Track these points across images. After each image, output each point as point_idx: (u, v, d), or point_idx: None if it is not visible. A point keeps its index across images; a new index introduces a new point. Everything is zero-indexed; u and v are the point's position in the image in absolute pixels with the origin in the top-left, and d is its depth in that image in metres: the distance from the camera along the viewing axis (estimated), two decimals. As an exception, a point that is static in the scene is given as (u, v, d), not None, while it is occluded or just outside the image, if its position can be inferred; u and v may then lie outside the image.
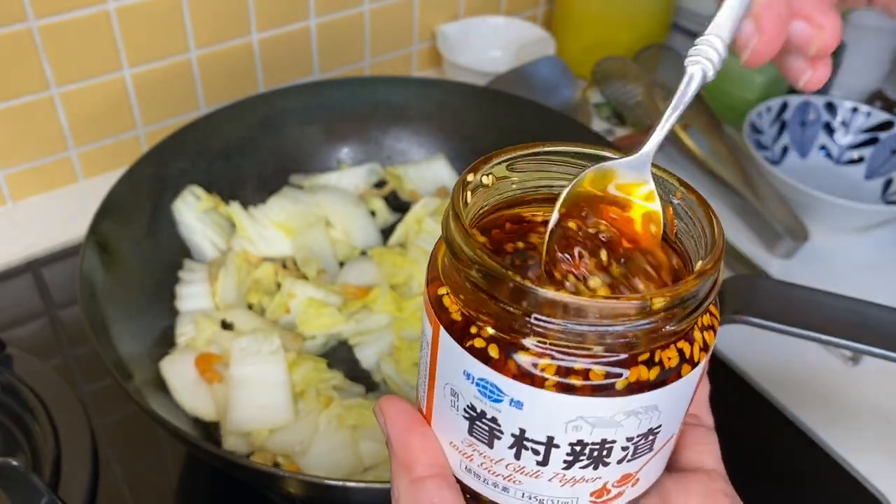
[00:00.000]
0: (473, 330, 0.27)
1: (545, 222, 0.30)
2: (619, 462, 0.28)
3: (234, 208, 0.73)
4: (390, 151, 0.83)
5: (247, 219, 0.73)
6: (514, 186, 0.31)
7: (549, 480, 0.28)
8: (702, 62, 0.29)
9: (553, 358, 0.26)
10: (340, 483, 0.47)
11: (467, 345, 0.27)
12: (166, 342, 0.65)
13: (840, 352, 0.71)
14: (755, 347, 0.70)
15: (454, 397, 0.28)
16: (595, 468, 0.28)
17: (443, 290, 0.28)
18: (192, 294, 0.68)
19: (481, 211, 0.30)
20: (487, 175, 0.30)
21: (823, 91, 0.97)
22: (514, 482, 0.29)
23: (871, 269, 0.80)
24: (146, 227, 0.69)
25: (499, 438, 0.28)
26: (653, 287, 0.29)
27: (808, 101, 0.89)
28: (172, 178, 0.72)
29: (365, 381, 0.65)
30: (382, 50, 0.97)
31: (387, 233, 0.77)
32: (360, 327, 0.67)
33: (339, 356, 0.67)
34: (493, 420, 0.27)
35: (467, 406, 0.28)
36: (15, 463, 0.51)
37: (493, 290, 0.25)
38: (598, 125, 0.95)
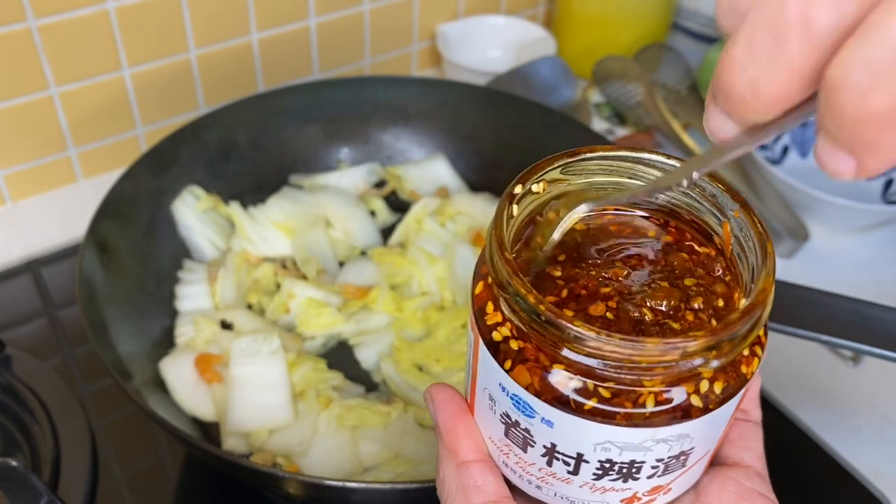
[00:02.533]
0: (510, 348, 0.27)
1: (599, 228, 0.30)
2: (650, 477, 0.28)
3: (234, 208, 0.73)
4: (390, 151, 0.83)
5: (246, 219, 0.73)
6: (567, 188, 0.31)
7: (580, 487, 0.29)
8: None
9: (584, 385, 0.26)
10: (340, 483, 0.47)
11: (503, 362, 0.27)
12: (166, 342, 0.65)
13: (840, 352, 0.70)
14: (755, 347, 0.69)
15: (492, 402, 0.29)
16: (625, 482, 0.28)
17: (486, 303, 0.28)
18: (192, 294, 0.68)
19: (533, 213, 0.30)
20: (538, 182, 0.30)
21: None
22: (546, 483, 0.30)
23: (871, 269, 0.80)
24: (146, 227, 0.69)
25: (532, 446, 0.28)
26: (701, 308, 0.28)
27: (809, 100, 0.89)
28: (172, 178, 0.71)
29: (365, 381, 0.65)
30: (382, 50, 0.97)
31: (387, 233, 0.77)
32: (360, 327, 0.67)
33: (339, 356, 0.67)
34: (527, 430, 0.28)
35: (503, 413, 0.28)
36: (14, 463, 0.51)
37: (529, 318, 0.26)
38: (599, 125, 0.95)
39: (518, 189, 0.29)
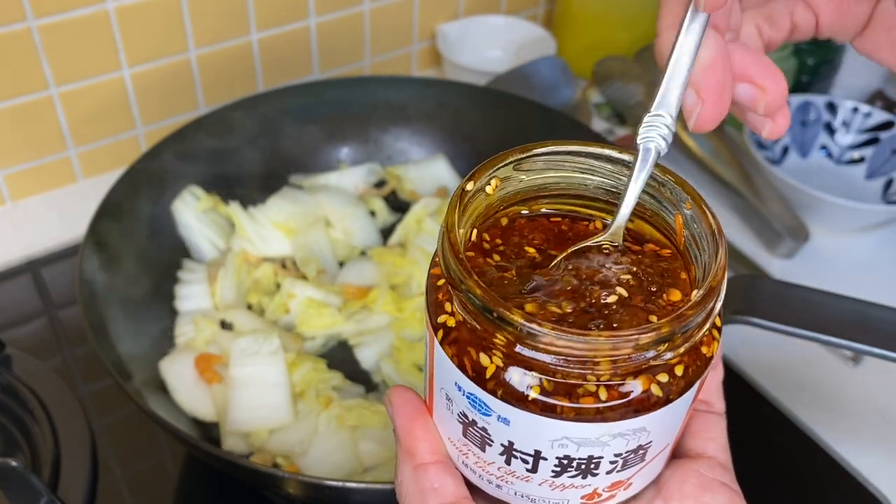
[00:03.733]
0: (465, 347, 0.27)
1: (551, 225, 0.30)
2: (609, 473, 0.28)
3: (234, 208, 0.73)
4: (390, 151, 0.83)
5: (246, 219, 0.73)
6: (520, 185, 0.31)
7: (539, 485, 0.29)
8: (655, 140, 0.29)
9: (538, 381, 0.26)
10: (340, 483, 0.47)
11: (457, 361, 0.27)
12: (166, 342, 0.65)
13: (840, 352, 0.70)
14: (755, 347, 0.69)
15: (449, 402, 0.29)
16: (584, 478, 0.28)
17: (441, 303, 0.28)
18: (192, 294, 0.68)
19: (486, 210, 0.30)
20: (489, 182, 0.30)
21: (824, 91, 0.97)
22: (506, 482, 0.30)
23: (871, 269, 0.80)
24: (146, 227, 0.69)
25: (490, 445, 0.28)
26: (656, 300, 0.28)
27: (809, 101, 0.89)
28: (172, 179, 0.71)
29: (364, 381, 0.65)
30: (382, 50, 0.97)
31: (387, 233, 0.77)
32: (360, 327, 0.67)
33: (339, 356, 0.67)
34: (484, 429, 0.28)
35: (460, 412, 0.28)
36: (14, 463, 0.51)
37: (482, 315, 0.26)
38: (599, 125, 0.95)
39: (470, 186, 0.29)
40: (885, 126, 0.87)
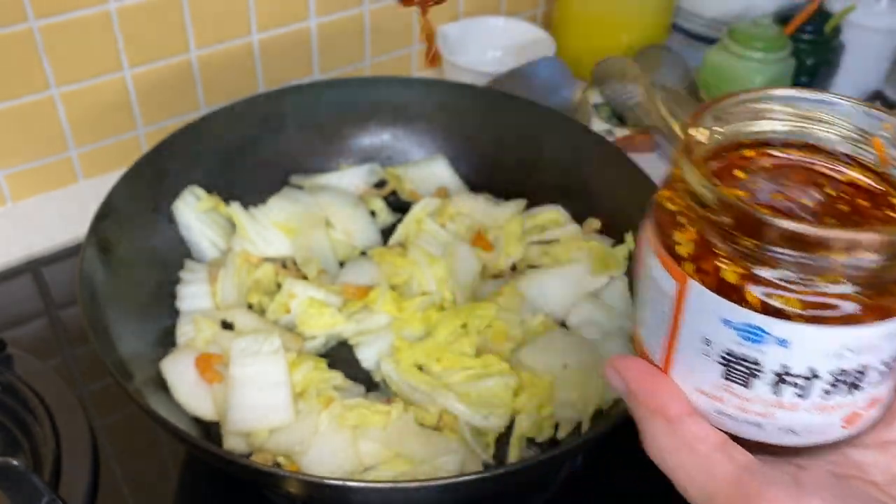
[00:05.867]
0: (731, 277, 0.27)
1: (769, 166, 0.31)
2: (872, 385, 0.29)
3: (235, 208, 0.73)
4: (390, 151, 0.83)
5: (247, 219, 0.73)
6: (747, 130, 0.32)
7: (807, 411, 0.29)
8: None
9: (817, 293, 0.26)
10: (340, 483, 0.47)
11: (726, 293, 0.27)
12: (166, 342, 0.65)
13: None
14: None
15: (707, 346, 0.29)
16: (850, 393, 0.29)
17: (687, 243, 0.29)
18: (193, 294, 0.68)
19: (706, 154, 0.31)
20: (707, 127, 0.31)
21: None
22: (769, 417, 0.30)
23: (870, 269, 0.80)
24: (146, 227, 0.69)
25: (756, 377, 0.29)
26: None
27: (808, 101, 0.89)
28: (172, 178, 0.72)
29: (365, 381, 0.65)
30: (382, 50, 0.97)
31: (387, 233, 0.77)
32: (361, 327, 0.67)
33: (339, 356, 0.67)
34: (755, 362, 0.28)
35: (723, 353, 0.29)
36: (15, 463, 0.51)
37: (754, 235, 0.26)
38: (598, 126, 0.95)
39: (693, 132, 0.30)
40: (885, 126, 0.87)
